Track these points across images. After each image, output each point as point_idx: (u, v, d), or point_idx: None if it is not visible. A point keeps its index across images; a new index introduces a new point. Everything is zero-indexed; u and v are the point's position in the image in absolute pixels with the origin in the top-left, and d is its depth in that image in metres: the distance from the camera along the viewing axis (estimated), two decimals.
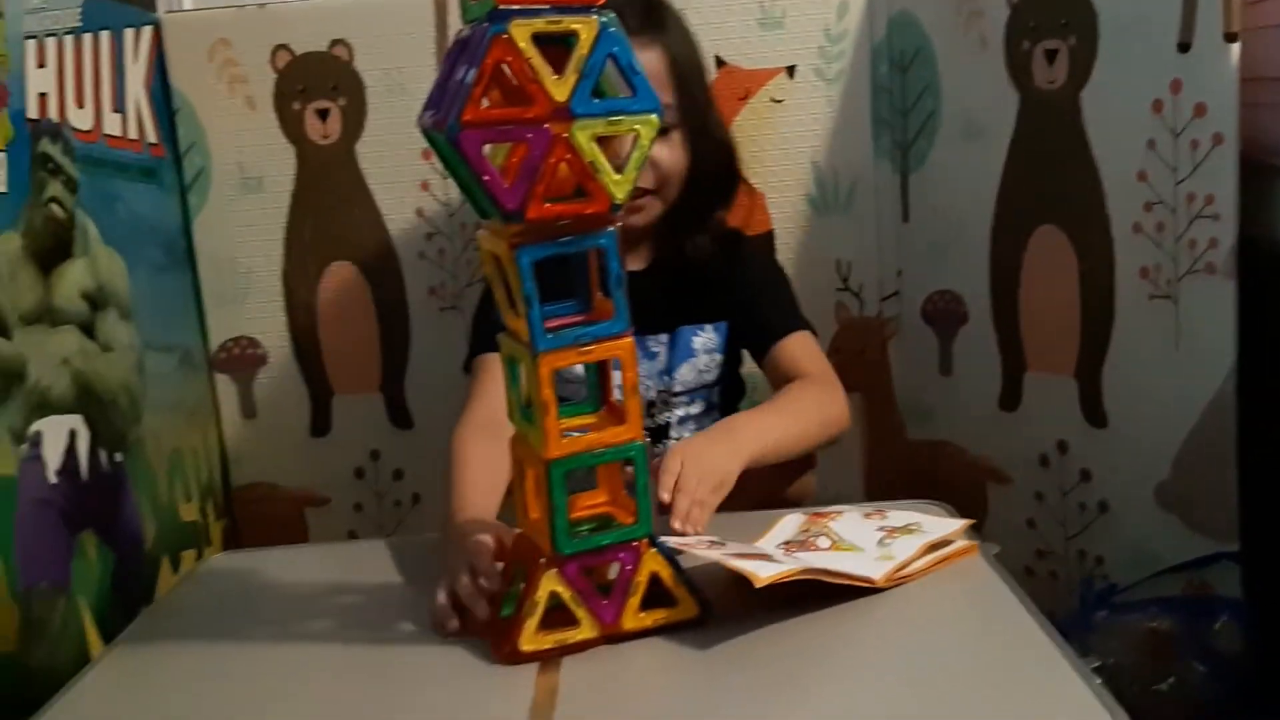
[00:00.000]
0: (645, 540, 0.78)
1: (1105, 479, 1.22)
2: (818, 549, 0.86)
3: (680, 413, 1.20)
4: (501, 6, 0.69)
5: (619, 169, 0.73)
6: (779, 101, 1.35)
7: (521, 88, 0.70)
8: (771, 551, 0.85)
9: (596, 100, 0.72)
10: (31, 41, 1.05)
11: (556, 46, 0.71)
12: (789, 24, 1.33)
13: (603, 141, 0.73)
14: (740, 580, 0.75)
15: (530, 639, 0.76)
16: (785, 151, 1.36)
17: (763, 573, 0.72)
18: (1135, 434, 1.18)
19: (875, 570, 0.82)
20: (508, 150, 0.74)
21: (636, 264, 1.18)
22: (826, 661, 0.73)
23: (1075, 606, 1.18)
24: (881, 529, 0.90)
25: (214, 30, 1.33)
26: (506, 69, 0.70)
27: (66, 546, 1.06)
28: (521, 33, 0.69)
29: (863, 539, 0.88)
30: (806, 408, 1.09)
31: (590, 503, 0.81)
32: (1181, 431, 1.13)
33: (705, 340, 1.19)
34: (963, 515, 0.97)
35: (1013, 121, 1.23)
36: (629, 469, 0.80)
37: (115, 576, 1.13)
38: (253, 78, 1.33)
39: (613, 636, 0.77)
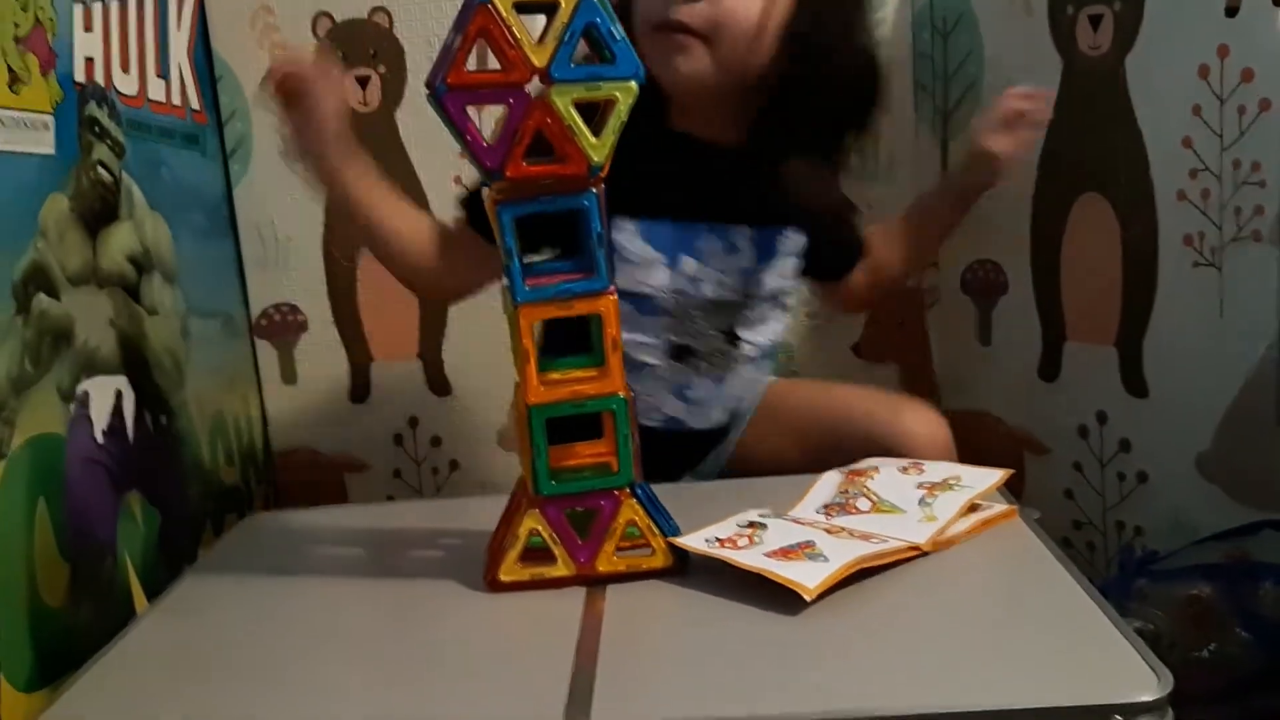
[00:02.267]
0: (625, 488, 0.81)
1: (1145, 449, 1.21)
2: (858, 512, 0.87)
3: (752, 316, 1.14)
4: None
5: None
6: None
7: (503, 53, 0.73)
8: (813, 517, 0.85)
9: (575, 66, 0.74)
10: (78, 5, 1.06)
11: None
12: None
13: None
14: None
15: (509, 570, 0.81)
16: None
17: (810, 581, 0.73)
18: (1176, 404, 1.17)
19: (919, 534, 0.82)
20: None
21: (723, 134, 1.07)
22: (870, 624, 0.73)
23: (1115, 574, 1.17)
24: (921, 485, 0.90)
25: None
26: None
27: (113, 506, 1.07)
28: (504, 1, 0.72)
29: (903, 498, 0.88)
30: None
31: (592, 450, 0.83)
32: (1224, 401, 1.12)
33: (790, 244, 1.12)
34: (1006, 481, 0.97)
35: (1056, 88, 1.22)
36: None
37: (160, 536, 1.14)
38: (294, 45, 1.34)
39: (587, 578, 0.81)
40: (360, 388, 1.44)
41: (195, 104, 1.30)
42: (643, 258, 1.09)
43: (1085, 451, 1.27)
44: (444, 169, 1.37)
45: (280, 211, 1.39)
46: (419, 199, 1.37)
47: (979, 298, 1.37)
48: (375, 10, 1.33)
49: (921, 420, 1.07)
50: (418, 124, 1.35)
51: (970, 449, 1.38)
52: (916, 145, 1.37)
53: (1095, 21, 1.16)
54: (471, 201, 1.11)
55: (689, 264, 1.09)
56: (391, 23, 1.33)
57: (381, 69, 1.35)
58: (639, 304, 1.10)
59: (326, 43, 1.34)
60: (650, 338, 1.12)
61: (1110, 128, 1.17)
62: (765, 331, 1.16)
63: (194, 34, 1.30)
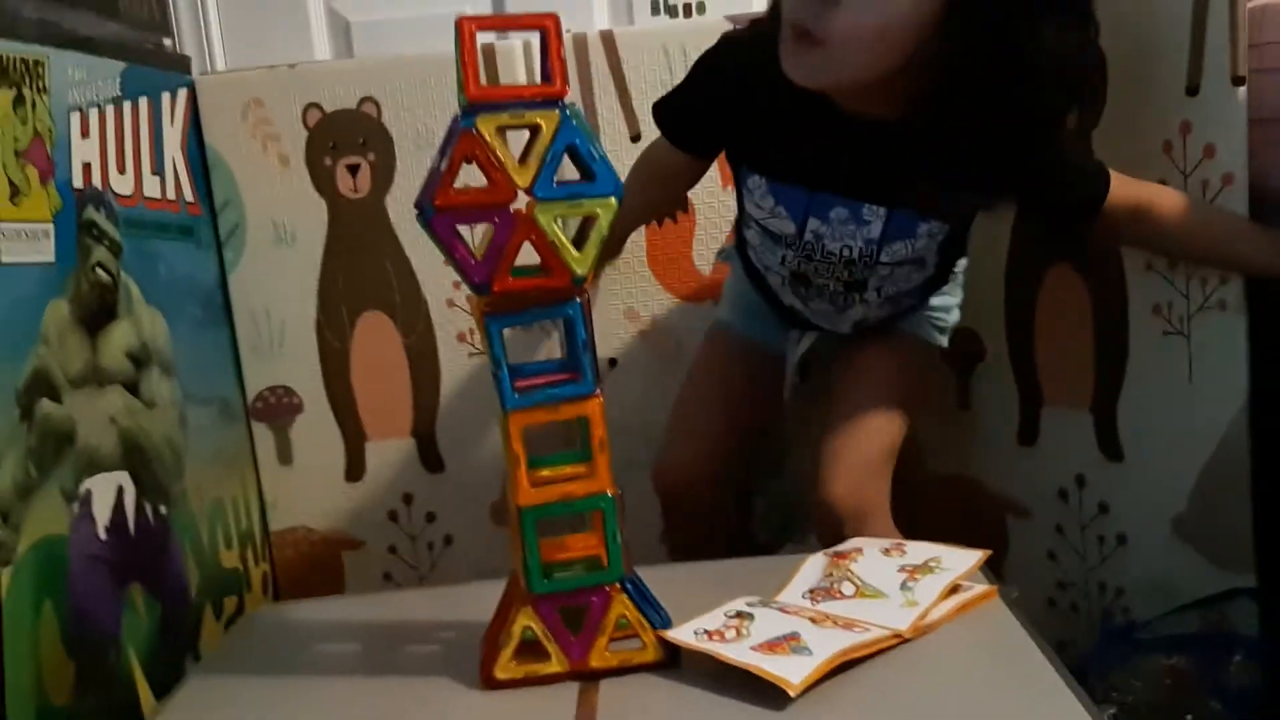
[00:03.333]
0: (615, 584, 0.84)
1: (1123, 512, 1.24)
2: (843, 596, 0.89)
3: (884, 275, 1.12)
4: (471, 102, 0.76)
5: None
6: None
7: (488, 175, 0.77)
8: (798, 604, 0.88)
9: (557, 185, 0.78)
10: (75, 113, 1.10)
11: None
12: None
13: None
14: None
15: (504, 667, 0.84)
16: None
17: (795, 677, 0.76)
18: (1151, 467, 1.20)
19: (901, 620, 0.85)
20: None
21: (874, 112, 1.00)
22: (844, 708, 0.75)
23: (1096, 644, 1.20)
24: (903, 568, 0.93)
25: (247, 90, 1.37)
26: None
27: (116, 599, 1.10)
28: (488, 126, 0.76)
29: (885, 582, 0.91)
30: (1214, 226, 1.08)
31: (583, 544, 0.86)
32: (1197, 465, 1.16)
33: (931, 228, 1.09)
34: (984, 547, 0.99)
35: None
36: None
37: (161, 625, 1.17)
38: (285, 135, 1.38)
39: (580, 673, 0.84)
40: (355, 466, 1.46)
41: (189, 196, 1.33)
42: (769, 208, 1.11)
43: (1066, 514, 1.30)
44: (434, 252, 1.39)
45: (274, 296, 1.42)
46: (411, 284, 1.41)
47: (957, 363, 1.40)
48: (364, 100, 1.37)
49: None
50: (407, 209, 1.38)
51: (953, 512, 1.41)
52: None
53: None
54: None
55: (814, 225, 1.09)
56: (380, 112, 1.37)
57: (371, 157, 1.38)
58: (762, 231, 1.14)
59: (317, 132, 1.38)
60: (774, 260, 1.16)
61: None
62: (893, 286, 1.14)
63: (186, 128, 1.34)
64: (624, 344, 1.44)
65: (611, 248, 1.38)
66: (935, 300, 1.22)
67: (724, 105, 1.09)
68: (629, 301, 1.43)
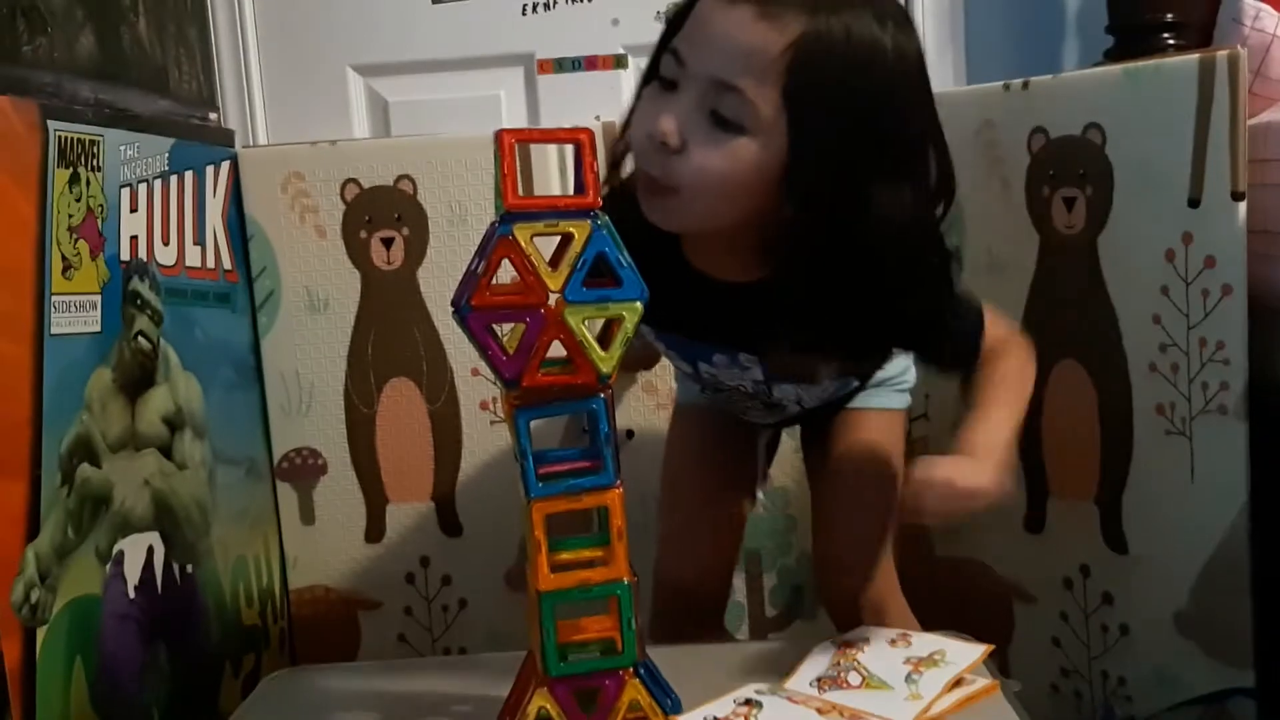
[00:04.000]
0: (629, 669, 0.87)
1: (1126, 603, 1.27)
2: (849, 686, 0.92)
3: (792, 398, 1.12)
4: (509, 210, 0.80)
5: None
6: None
7: (522, 278, 0.82)
8: (805, 692, 0.91)
9: (586, 289, 0.82)
10: (125, 189, 1.15)
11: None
12: None
13: None
14: None
15: None
16: None
17: None
18: (1155, 561, 1.23)
19: (905, 713, 0.87)
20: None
21: (740, 272, 0.98)
22: None
23: None
24: (908, 660, 0.95)
25: (288, 164, 1.43)
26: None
27: (142, 657, 1.13)
28: (524, 234, 0.81)
29: (891, 674, 0.94)
30: (1020, 393, 1.03)
31: (599, 626, 0.89)
32: (1198, 562, 1.18)
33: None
34: (989, 632, 1.02)
35: (1034, 260, 1.30)
36: None
37: (183, 683, 1.20)
38: (323, 208, 1.43)
39: None
40: (376, 528, 1.50)
41: (227, 264, 1.38)
42: (663, 349, 1.13)
43: (1070, 602, 1.32)
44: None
45: (304, 360, 1.46)
46: (438, 353, 1.45)
47: None
48: (400, 178, 1.42)
49: None
50: (438, 282, 1.44)
51: (961, 596, 1.44)
52: None
53: (1069, 203, 1.25)
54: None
55: (706, 368, 1.10)
56: (415, 189, 1.42)
57: (405, 231, 1.43)
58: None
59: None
60: (681, 371, 1.17)
61: (1085, 300, 1.24)
62: (813, 397, 1.13)
63: (228, 199, 1.39)
64: (643, 416, 1.48)
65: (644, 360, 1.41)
66: (886, 372, 1.17)
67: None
68: (647, 376, 1.47)
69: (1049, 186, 1.27)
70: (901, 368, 1.21)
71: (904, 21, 0.90)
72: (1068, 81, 1.27)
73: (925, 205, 0.93)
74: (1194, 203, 1.13)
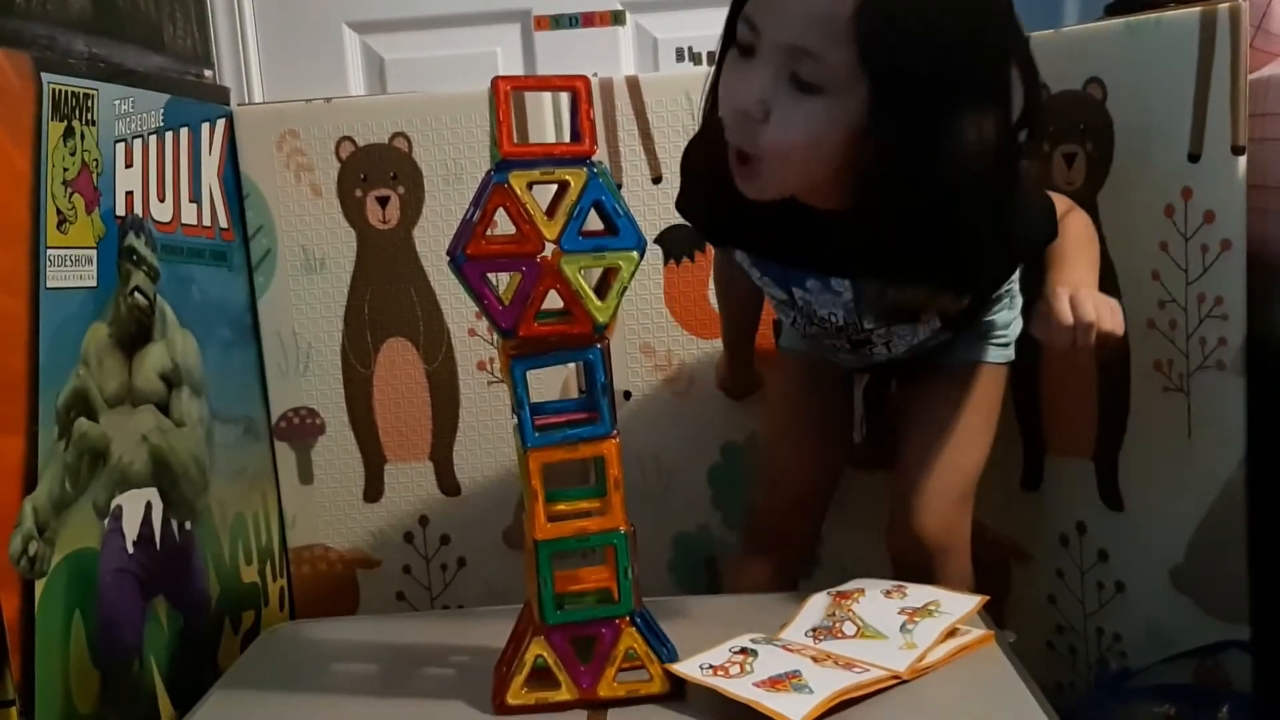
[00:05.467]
0: (625, 618, 0.88)
1: (1122, 560, 1.27)
2: (844, 636, 0.93)
3: (881, 334, 1.14)
4: (505, 158, 0.80)
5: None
6: None
7: (518, 227, 0.81)
8: (800, 642, 0.91)
9: (582, 238, 0.82)
10: (120, 144, 1.15)
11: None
12: None
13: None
14: None
15: (515, 694, 0.88)
16: None
17: (795, 714, 0.79)
18: (1151, 518, 1.23)
19: (899, 661, 0.88)
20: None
21: (835, 201, 1.00)
22: None
23: (1091, 690, 1.23)
24: (902, 610, 0.96)
25: (283, 122, 1.42)
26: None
27: (141, 612, 1.14)
28: (519, 181, 0.81)
29: (886, 624, 0.94)
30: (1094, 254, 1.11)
31: (595, 577, 0.90)
32: (1195, 518, 1.19)
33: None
34: (985, 589, 1.03)
35: None
36: None
37: (182, 638, 1.21)
38: (318, 166, 1.42)
39: (589, 701, 0.88)
40: (374, 488, 1.50)
41: (224, 223, 1.38)
42: (758, 276, 1.16)
43: (1066, 559, 1.33)
44: (457, 283, 1.44)
45: (301, 320, 1.46)
46: (435, 313, 1.45)
47: None
48: (395, 135, 1.41)
49: None
50: (434, 241, 1.43)
51: None
52: None
53: (1069, 159, 1.24)
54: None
55: (800, 294, 1.13)
56: (411, 147, 1.42)
57: (401, 190, 1.43)
58: (766, 291, 1.19)
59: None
60: (780, 309, 1.21)
61: None
62: (902, 339, 1.15)
63: (224, 157, 1.39)
64: (640, 378, 1.48)
65: (750, 379, 1.42)
66: (993, 317, 1.20)
67: (701, 194, 1.13)
68: (645, 337, 1.47)
69: (1049, 142, 1.26)
70: (1005, 320, 1.21)
71: None
72: (1069, 36, 1.26)
73: (1005, 134, 0.94)
74: (1194, 157, 1.13)
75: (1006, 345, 1.22)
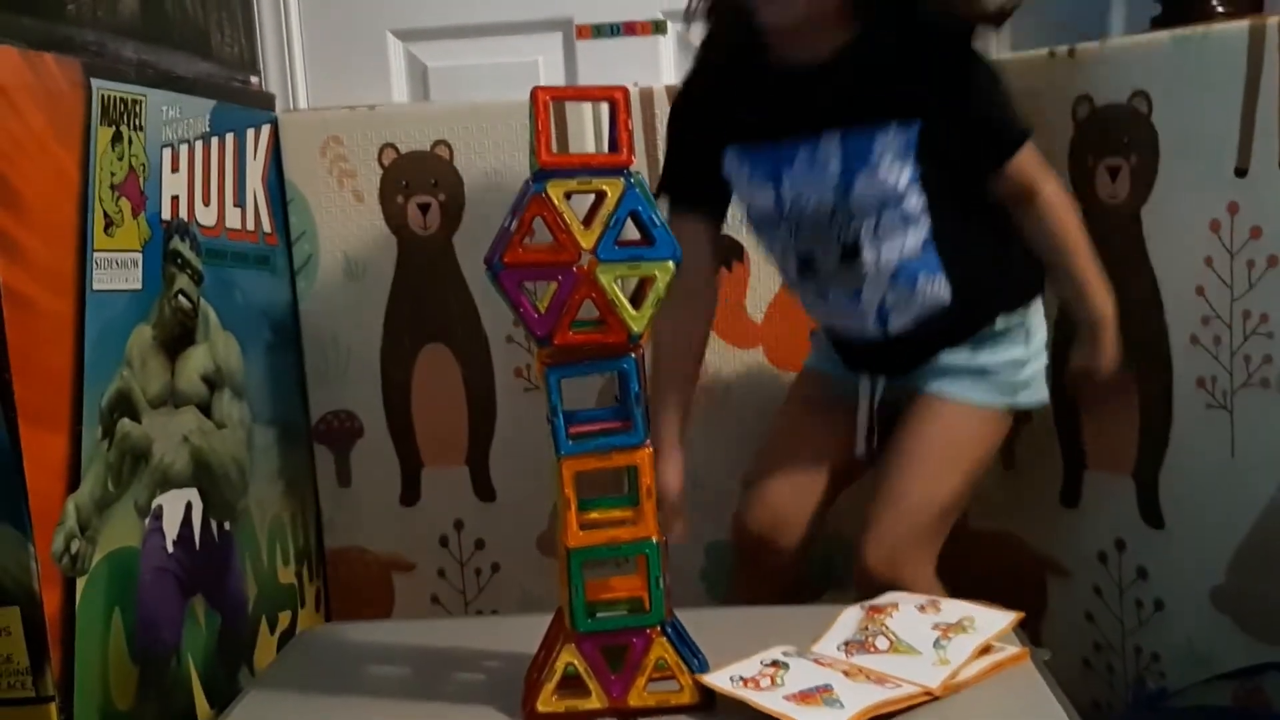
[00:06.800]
0: (656, 628, 0.88)
1: (1162, 578, 1.25)
2: (877, 650, 0.92)
3: (870, 227, 1.15)
4: (543, 167, 0.80)
5: None
6: None
7: (555, 236, 0.82)
8: (832, 655, 0.91)
9: (619, 248, 0.83)
10: (167, 150, 1.16)
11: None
12: None
13: None
14: None
15: (546, 701, 0.87)
16: None
17: None
18: (1191, 537, 1.21)
19: (932, 677, 0.87)
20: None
21: (815, 54, 1.13)
22: None
23: (1127, 709, 1.21)
24: (936, 626, 0.95)
25: (327, 128, 1.43)
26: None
27: (179, 610, 1.15)
28: (557, 191, 0.81)
29: (919, 639, 0.93)
30: (1080, 235, 1.17)
31: (626, 586, 0.90)
32: (1236, 537, 1.17)
33: (889, 142, 1.12)
34: (1022, 606, 1.02)
35: None
36: None
37: (220, 637, 1.22)
38: (360, 173, 1.44)
39: (619, 710, 0.87)
40: (410, 491, 1.51)
41: (267, 227, 1.40)
42: (748, 182, 1.19)
43: (1105, 576, 1.31)
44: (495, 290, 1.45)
45: (342, 325, 1.47)
46: (473, 320, 1.46)
47: None
48: (437, 143, 1.43)
49: None
50: (474, 248, 1.44)
51: (995, 569, 1.43)
52: None
53: (1113, 173, 1.23)
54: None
55: (789, 183, 1.16)
56: (452, 155, 1.43)
57: (441, 197, 1.44)
58: (758, 218, 1.22)
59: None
60: (775, 250, 1.23)
61: (1127, 272, 1.22)
62: (890, 246, 1.15)
63: (268, 163, 1.41)
64: None
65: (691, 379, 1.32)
66: (994, 357, 1.20)
67: (698, 116, 1.22)
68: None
69: (1093, 156, 1.25)
70: (1010, 359, 1.21)
71: None
72: (1114, 48, 1.25)
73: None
74: (1241, 172, 1.12)
75: (1018, 387, 1.21)
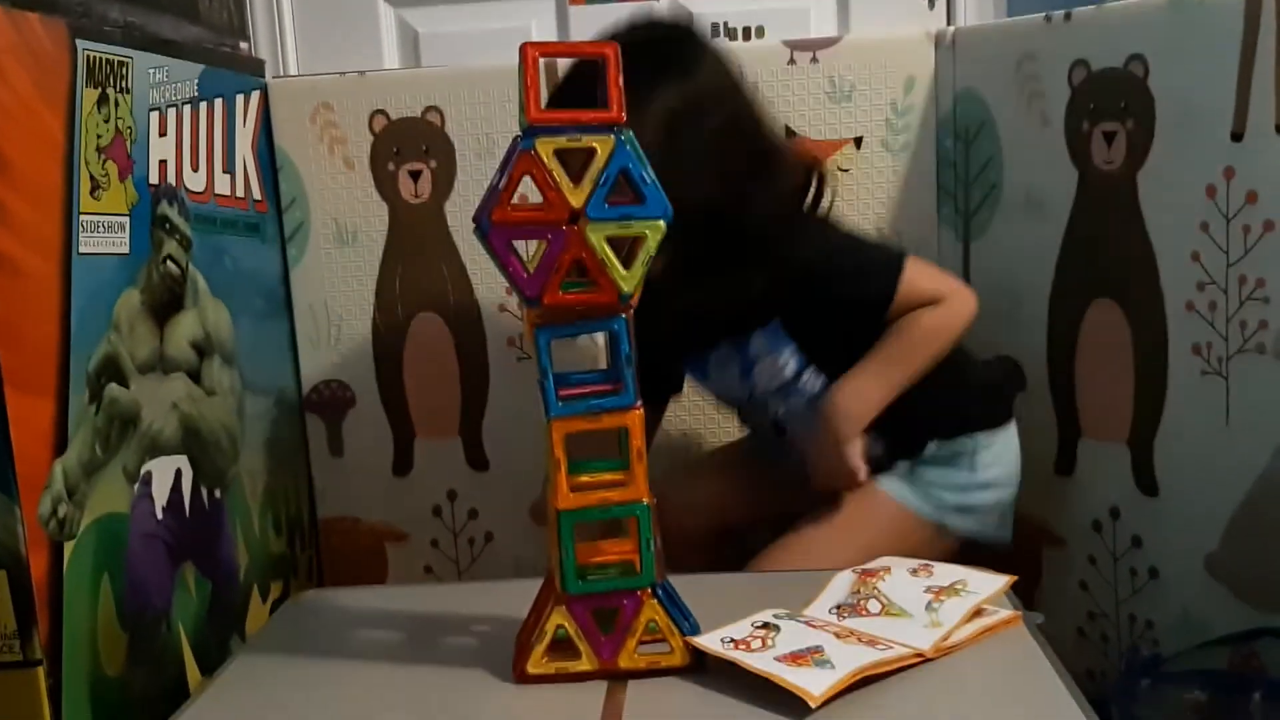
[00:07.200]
0: (646, 589, 0.87)
1: (1156, 546, 1.25)
2: (869, 614, 0.92)
3: (783, 409, 1.24)
4: (532, 124, 0.79)
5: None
6: (845, 170, 1.41)
7: (543, 194, 0.81)
8: (824, 618, 0.90)
9: (609, 206, 0.81)
10: (154, 113, 1.15)
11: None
12: (857, 98, 1.39)
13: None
14: None
15: (536, 663, 0.87)
16: (851, 218, 1.41)
17: (816, 689, 0.78)
18: (1186, 504, 1.21)
19: (924, 639, 0.87)
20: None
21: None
22: None
23: (1121, 675, 1.21)
24: (929, 589, 0.95)
25: (317, 95, 1.42)
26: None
27: (169, 577, 1.15)
28: (546, 148, 0.80)
29: (911, 602, 0.93)
30: (914, 346, 1.17)
31: (617, 549, 0.89)
32: (1232, 504, 1.16)
33: (762, 343, 1.21)
34: (1017, 574, 1.01)
35: (1072, 197, 1.27)
36: None
37: (211, 605, 1.21)
38: (351, 139, 1.43)
39: (609, 672, 0.87)
40: (403, 462, 1.51)
41: (257, 194, 1.39)
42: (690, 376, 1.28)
43: (1099, 545, 1.31)
44: (488, 258, 1.43)
45: (333, 293, 1.47)
46: (465, 288, 1.45)
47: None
48: (428, 110, 1.41)
49: None
50: (465, 216, 1.41)
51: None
52: (939, 245, 1.43)
53: (1109, 138, 1.22)
54: None
55: (714, 379, 1.29)
56: (443, 121, 1.42)
57: (433, 164, 1.43)
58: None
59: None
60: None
61: (1122, 238, 1.22)
62: (808, 420, 1.21)
63: (258, 129, 1.39)
64: None
65: None
66: (935, 474, 1.24)
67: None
68: None
69: (1089, 121, 1.24)
70: (950, 481, 1.24)
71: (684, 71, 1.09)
72: (1111, 12, 1.24)
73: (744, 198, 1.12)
74: (1237, 136, 1.10)
75: (941, 506, 1.24)
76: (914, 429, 1.23)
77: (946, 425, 1.24)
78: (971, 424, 1.24)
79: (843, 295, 1.17)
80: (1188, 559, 1.21)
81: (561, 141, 0.80)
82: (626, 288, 0.82)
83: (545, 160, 0.79)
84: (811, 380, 1.22)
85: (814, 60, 1.39)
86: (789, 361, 1.21)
